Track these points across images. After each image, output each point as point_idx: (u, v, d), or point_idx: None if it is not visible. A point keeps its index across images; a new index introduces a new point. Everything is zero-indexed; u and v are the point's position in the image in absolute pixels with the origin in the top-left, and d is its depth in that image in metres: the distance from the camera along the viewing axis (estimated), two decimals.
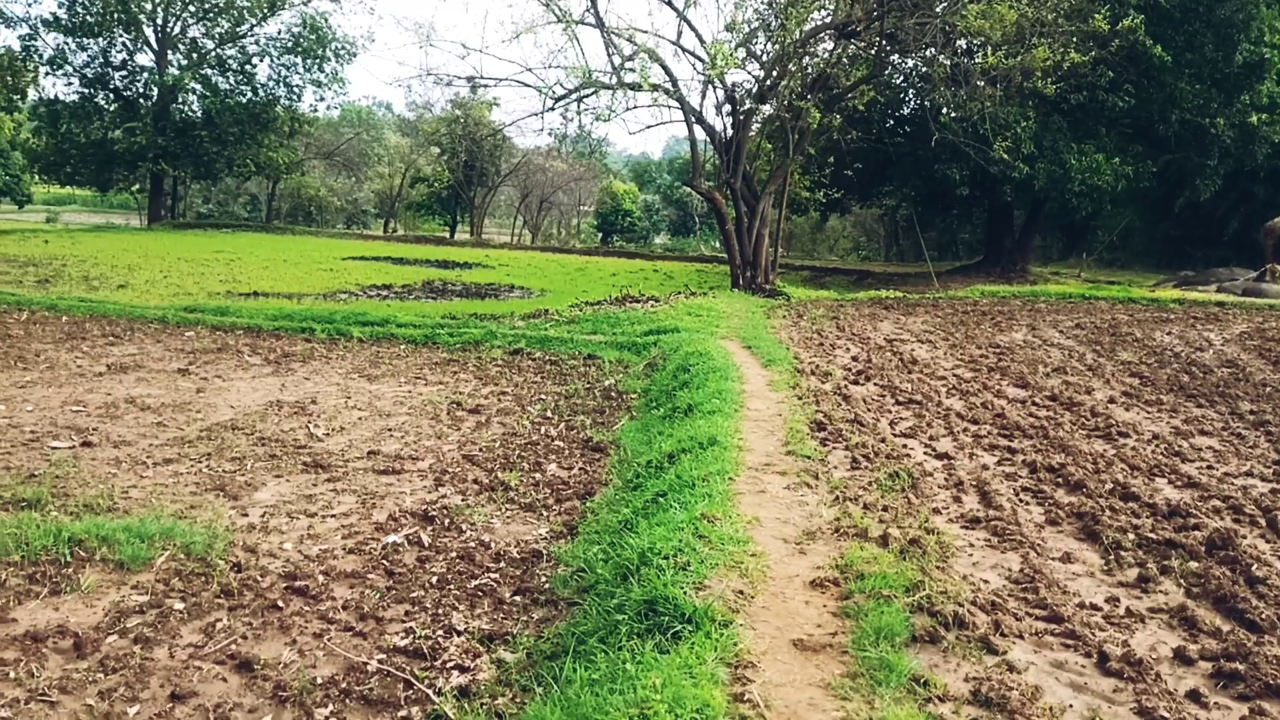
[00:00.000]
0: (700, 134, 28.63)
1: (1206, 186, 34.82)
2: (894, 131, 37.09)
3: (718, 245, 31.92)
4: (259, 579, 6.63)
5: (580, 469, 9.77)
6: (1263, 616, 5.59)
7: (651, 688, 4.11)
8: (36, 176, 60.70)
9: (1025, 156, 30.47)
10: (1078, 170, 31.86)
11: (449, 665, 5.56)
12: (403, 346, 17.02)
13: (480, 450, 10.32)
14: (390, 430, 11.05)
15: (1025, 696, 4.42)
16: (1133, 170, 32.95)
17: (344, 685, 5.31)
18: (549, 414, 12.15)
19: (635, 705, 3.98)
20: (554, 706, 4.42)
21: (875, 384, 13.19)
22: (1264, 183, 38.50)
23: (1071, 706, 4.51)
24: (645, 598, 5.31)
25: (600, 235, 73.83)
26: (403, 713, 5.08)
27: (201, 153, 52.95)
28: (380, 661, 5.58)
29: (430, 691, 5.23)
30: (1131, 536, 6.94)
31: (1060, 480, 8.50)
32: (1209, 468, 9.25)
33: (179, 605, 6.13)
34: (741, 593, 5.42)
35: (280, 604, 6.27)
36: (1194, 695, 4.70)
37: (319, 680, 5.34)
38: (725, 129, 28.84)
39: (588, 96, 27.64)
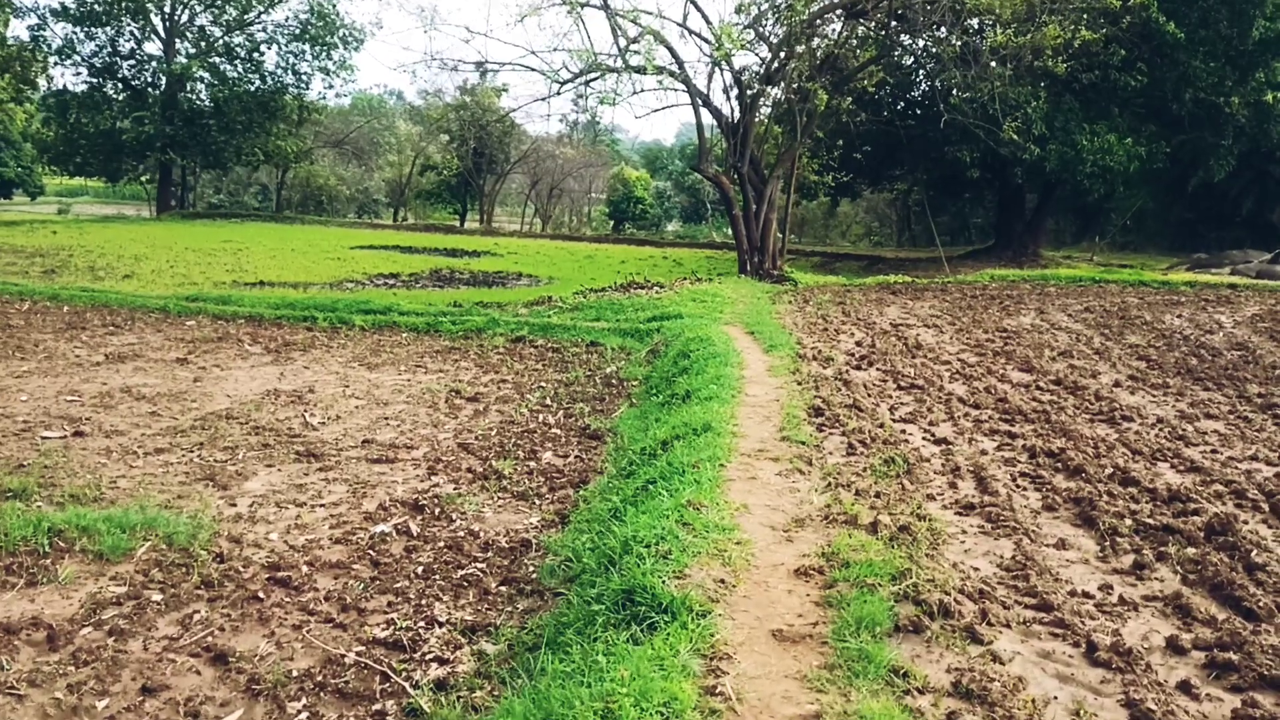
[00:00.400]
0: (707, 118, 28.44)
1: (1221, 167, 34.37)
2: (904, 114, 36.76)
3: (729, 232, 31.80)
4: (241, 570, 6.55)
5: (576, 457, 9.67)
6: (1260, 604, 5.43)
7: (619, 681, 3.99)
8: (47, 167, 60.78)
9: (1036, 138, 30.13)
10: (1089, 151, 31.47)
11: (428, 657, 5.47)
12: (404, 335, 16.93)
13: (476, 438, 10.22)
14: (387, 419, 10.96)
15: (1007, 688, 4.29)
16: (1146, 151, 32.52)
17: (320, 678, 5.22)
18: (548, 402, 12.04)
19: (601, 699, 3.87)
20: (525, 700, 4.31)
21: (878, 369, 13.04)
22: (1279, 162, 38.06)
23: (1056, 698, 4.38)
24: (623, 587, 5.19)
25: (612, 223, 73.56)
26: (377, 706, 4.99)
27: (210, 141, 52.94)
28: (358, 654, 5.49)
29: (406, 685, 5.13)
30: (1129, 522, 6.79)
31: (1059, 465, 8.35)
32: (1213, 452, 9.09)
33: (157, 597, 6.05)
34: (722, 581, 5.29)
35: (261, 595, 6.19)
36: (1185, 686, 4.56)
37: (294, 673, 5.26)
38: (732, 112, 28.64)
39: (594, 80, 27.49)
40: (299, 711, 4.92)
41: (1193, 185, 36.94)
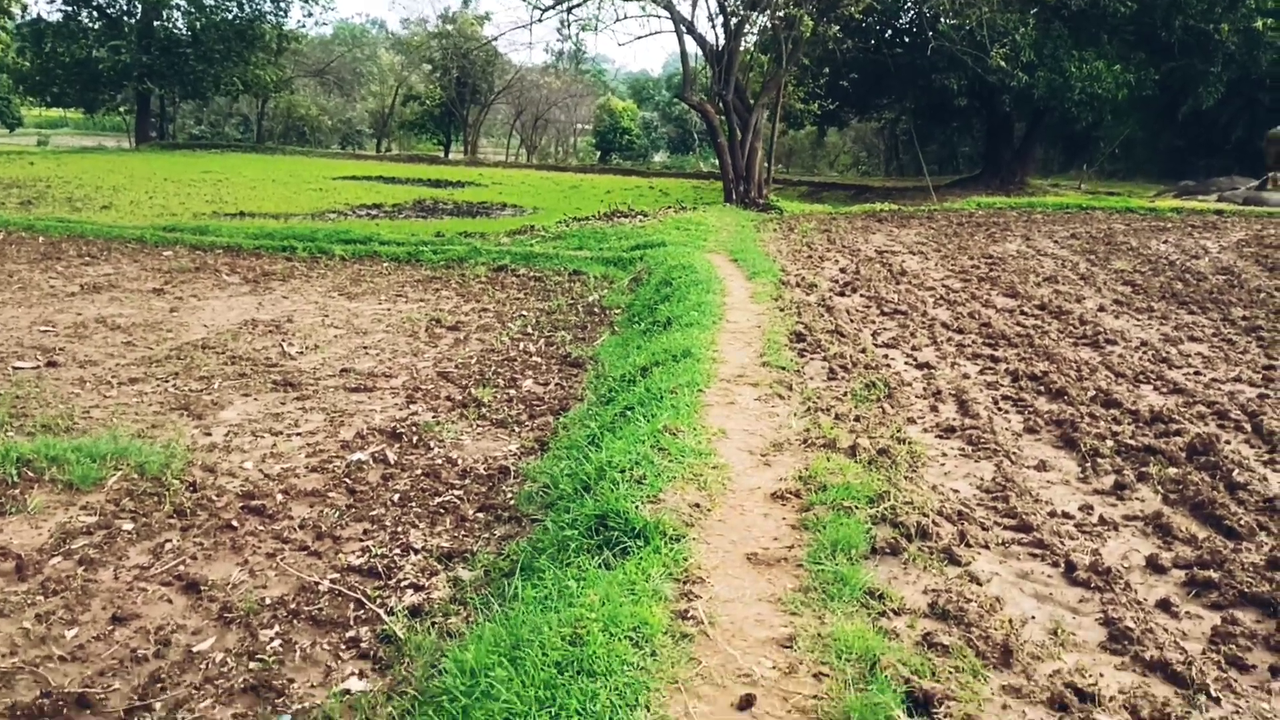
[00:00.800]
0: (692, 45, 28.00)
1: (1210, 94, 34.05)
2: (891, 41, 36.29)
3: (717, 162, 31.39)
4: (215, 499, 6.46)
5: (556, 384, 9.58)
6: (1241, 523, 5.40)
7: (588, 606, 3.92)
8: (24, 98, 59.74)
9: (1025, 65, 29.77)
10: (1078, 78, 31.14)
11: (404, 584, 5.42)
12: (385, 264, 16.74)
13: (456, 367, 10.12)
14: (366, 348, 10.84)
15: (984, 608, 4.23)
16: (1135, 78, 32.20)
17: (293, 606, 5.16)
18: (529, 330, 11.94)
19: (569, 624, 3.80)
20: (495, 625, 4.25)
21: (861, 295, 12.94)
22: (1269, 90, 37.71)
23: (1034, 618, 4.34)
24: (597, 512, 5.12)
25: (598, 153, 72.91)
26: (351, 633, 4.93)
27: (187, 71, 51.92)
28: (333, 581, 5.43)
29: (381, 611, 5.07)
30: (1110, 443, 6.75)
31: (1042, 388, 8.30)
32: (1196, 374, 9.04)
33: (128, 526, 5.97)
34: (698, 506, 5.23)
35: (235, 524, 6.11)
36: (1164, 605, 4.52)
37: (267, 601, 5.19)
38: (717, 39, 28.21)
39: (576, 7, 27.03)
40: (272, 639, 4.86)
41: (1183, 114, 36.65)
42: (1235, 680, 3.88)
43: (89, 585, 5.27)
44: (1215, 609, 4.51)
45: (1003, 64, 27.23)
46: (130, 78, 50.63)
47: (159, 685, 4.47)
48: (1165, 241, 19.34)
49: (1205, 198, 30.67)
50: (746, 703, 3.49)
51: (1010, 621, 4.20)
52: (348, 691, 4.42)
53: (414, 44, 62.32)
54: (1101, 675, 3.83)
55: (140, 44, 50.26)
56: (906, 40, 35.82)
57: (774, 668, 3.74)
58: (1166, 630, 4.27)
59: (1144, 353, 9.83)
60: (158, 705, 4.34)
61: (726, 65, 27.35)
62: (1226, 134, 40.22)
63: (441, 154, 66.95)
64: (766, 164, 29.77)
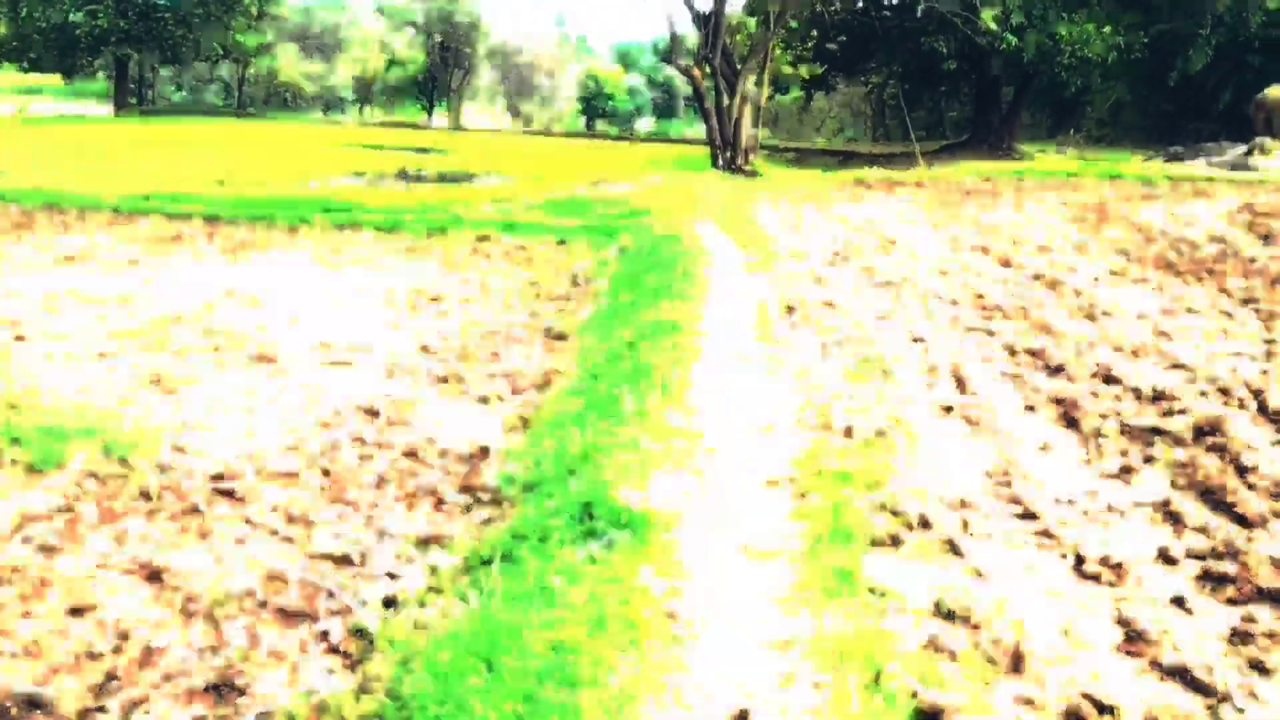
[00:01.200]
0: (679, 8, 27.60)
1: (1199, 57, 33.76)
2: (879, 3, 35.93)
3: (703, 129, 31.16)
4: (183, 480, 6.19)
5: (541, 359, 9.32)
6: (1253, 509, 5.17)
7: (571, 606, 3.68)
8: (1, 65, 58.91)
9: (1014, 27, 29.42)
10: (1068, 41, 30.78)
11: (378, 572, 5.16)
12: (366, 234, 16.40)
13: (438, 340, 9.85)
14: (345, 321, 10.56)
15: (992, 607, 4.01)
16: (1124, 40, 31.89)
17: (260, 596, 4.90)
18: (513, 301, 11.67)
19: (551, 627, 3.55)
20: (473, 623, 4.00)
21: (852, 266, 12.69)
22: (1258, 52, 37.40)
23: (1043, 617, 4.09)
24: (582, 499, 4.88)
25: (583, 120, 72.45)
26: (321, 626, 4.68)
27: (166, 36, 51.12)
28: (304, 569, 5.17)
29: (352, 602, 4.82)
30: (1113, 423, 6.53)
31: (1040, 364, 8.07)
32: (1196, 348, 8.82)
33: (90, 510, 5.70)
34: (688, 493, 4.98)
35: (203, 507, 5.85)
36: (1179, 601, 4.29)
37: (234, 591, 4.94)
38: (705, 2, 27.82)
39: None
40: (236, 633, 4.61)
41: (1174, 78, 36.32)
42: (1258, 686, 3.65)
43: (46, 575, 5.01)
44: (1232, 605, 4.28)
45: (993, 26, 26.88)
46: (108, 43, 49.84)
47: (115, 683, 4.23)
48: (1156, 209, 19.09)
49: (1193, 163, 30.44)
50: (741, 717, 3.26)
51: (1020, 622, 3.97)
52: (315, 691, 4.17)
53: (395, 7, 61.61)
54: (1118, 683, 3.60)
55: (117, 8, 49.43)
56: (895, 2, 35.45)
57: (771, 675, 3.51)
58: (1183, 630, 4.04)
59: (1142, 326, 9.61)
60: (114, 706, 4.10)
61: (714, 29, 26.95)
62: (1214, 98, 39.92)
63: (425, 120, 66.37)
64: (754, 130, 29.43)
